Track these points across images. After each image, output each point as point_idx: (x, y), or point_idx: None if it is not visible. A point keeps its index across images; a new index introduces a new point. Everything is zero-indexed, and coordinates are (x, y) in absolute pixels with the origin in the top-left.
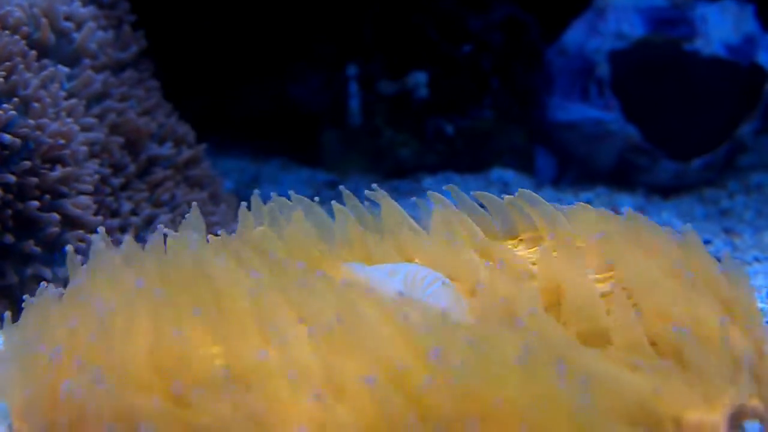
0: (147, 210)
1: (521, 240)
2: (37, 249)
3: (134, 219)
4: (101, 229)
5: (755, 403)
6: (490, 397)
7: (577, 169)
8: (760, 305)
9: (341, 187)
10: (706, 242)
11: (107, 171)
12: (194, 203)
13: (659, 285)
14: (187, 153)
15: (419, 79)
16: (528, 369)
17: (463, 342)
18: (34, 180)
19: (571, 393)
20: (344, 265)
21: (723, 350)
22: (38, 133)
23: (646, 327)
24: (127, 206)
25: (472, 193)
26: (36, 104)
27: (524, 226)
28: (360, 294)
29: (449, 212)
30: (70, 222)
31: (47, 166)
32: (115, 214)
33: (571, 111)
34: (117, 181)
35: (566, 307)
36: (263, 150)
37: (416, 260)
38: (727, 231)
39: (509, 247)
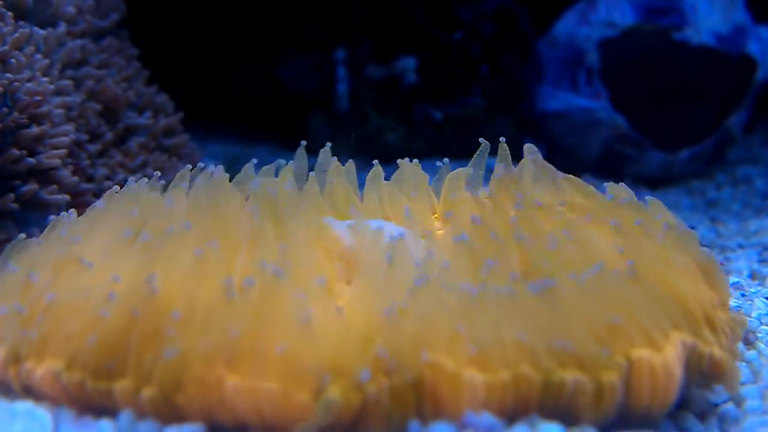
0: (121, 175)
1: None
2: (15, 206)
3: (108, 183)
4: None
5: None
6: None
7: (564, 159)
8: (741, 281)
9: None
10: (690, 228)
11: (84, 137)
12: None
13: None
14: (163, 122)
15: (408, 64)
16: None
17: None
18: (10, 137)
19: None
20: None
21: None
22: (17, 84)
23: None
24: (102, 171)
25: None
26: (12, 60)
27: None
28: None
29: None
30: (45, 177)
31: (24, 121)
32: (90, 179)
33: (560, 100)
34: (93, 148)
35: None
36: (253, 135)
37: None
38: (713, 220)
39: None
